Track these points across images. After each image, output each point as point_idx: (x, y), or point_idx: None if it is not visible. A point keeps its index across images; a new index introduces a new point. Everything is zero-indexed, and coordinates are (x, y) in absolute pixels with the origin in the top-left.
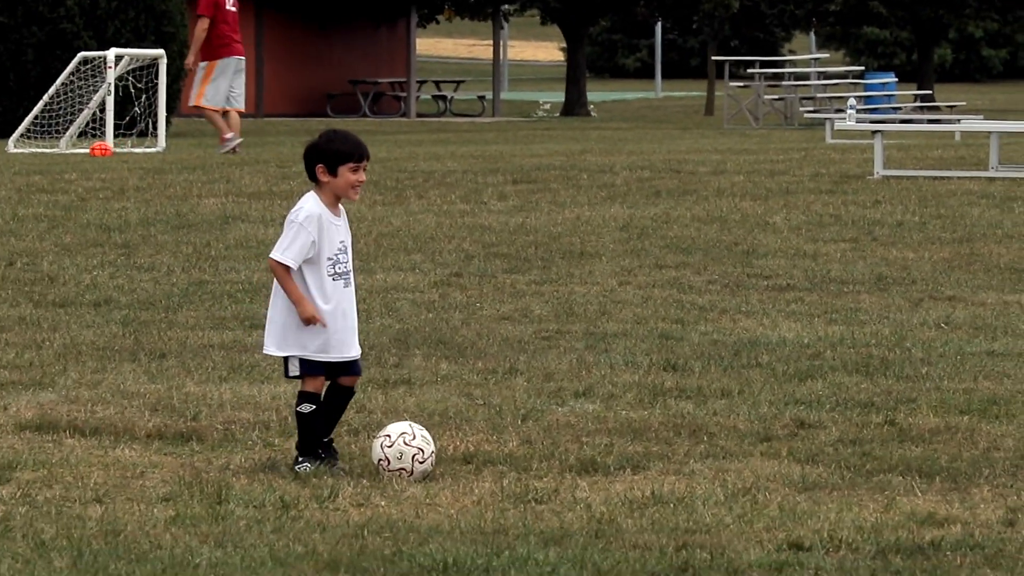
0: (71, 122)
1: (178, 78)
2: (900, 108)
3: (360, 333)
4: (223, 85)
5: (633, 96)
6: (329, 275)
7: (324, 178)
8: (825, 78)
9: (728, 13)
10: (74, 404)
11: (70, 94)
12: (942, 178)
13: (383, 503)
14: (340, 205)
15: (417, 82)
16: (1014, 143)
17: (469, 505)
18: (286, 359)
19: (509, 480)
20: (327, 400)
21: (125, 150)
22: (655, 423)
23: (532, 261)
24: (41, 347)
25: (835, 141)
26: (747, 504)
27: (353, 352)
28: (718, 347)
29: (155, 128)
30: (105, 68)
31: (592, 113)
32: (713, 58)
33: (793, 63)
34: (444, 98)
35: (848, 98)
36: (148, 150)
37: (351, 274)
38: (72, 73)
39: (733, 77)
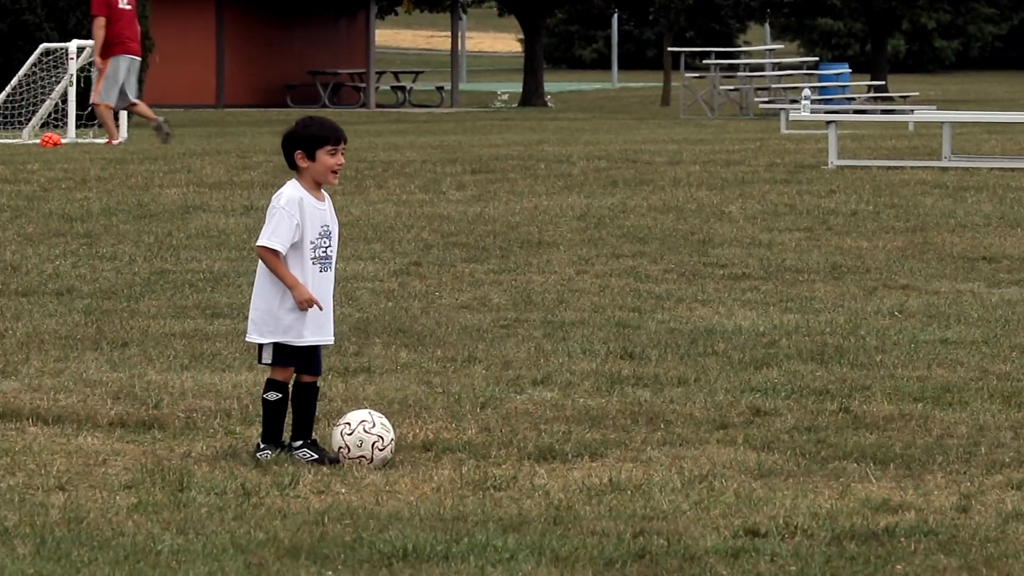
0: (33, 113)
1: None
2: (854, 99)
3: None
4: (117, 82)
5: (590, 87)
6: (310, 259)
7: (303, 163)
8: (780, 69)
9: (684, 4)
10: (37, 392)
11: (32, 85)
12: (896, 168)
13: (343, 490)
14: (323, 191)
15: (376, 73)
16: (966, 133)
17: (428, 492)
18: (261, 346)
19: (468, 467)
20: (295, 401)
21: (87, 141)
22: (612, 411)
23: (490, 250)
24: (4, 336)
25: (790, 131)
26: (704, 491)
27: (328, 337)
28: (675, 335)
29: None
30: (67, 59)
31: (549, 104)
32: (669, 49)
33: (748, 54)
34: (403, 89)
35: (803, 89)
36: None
37: (332, 260)
38: (34, 64)
39: (689, 68)
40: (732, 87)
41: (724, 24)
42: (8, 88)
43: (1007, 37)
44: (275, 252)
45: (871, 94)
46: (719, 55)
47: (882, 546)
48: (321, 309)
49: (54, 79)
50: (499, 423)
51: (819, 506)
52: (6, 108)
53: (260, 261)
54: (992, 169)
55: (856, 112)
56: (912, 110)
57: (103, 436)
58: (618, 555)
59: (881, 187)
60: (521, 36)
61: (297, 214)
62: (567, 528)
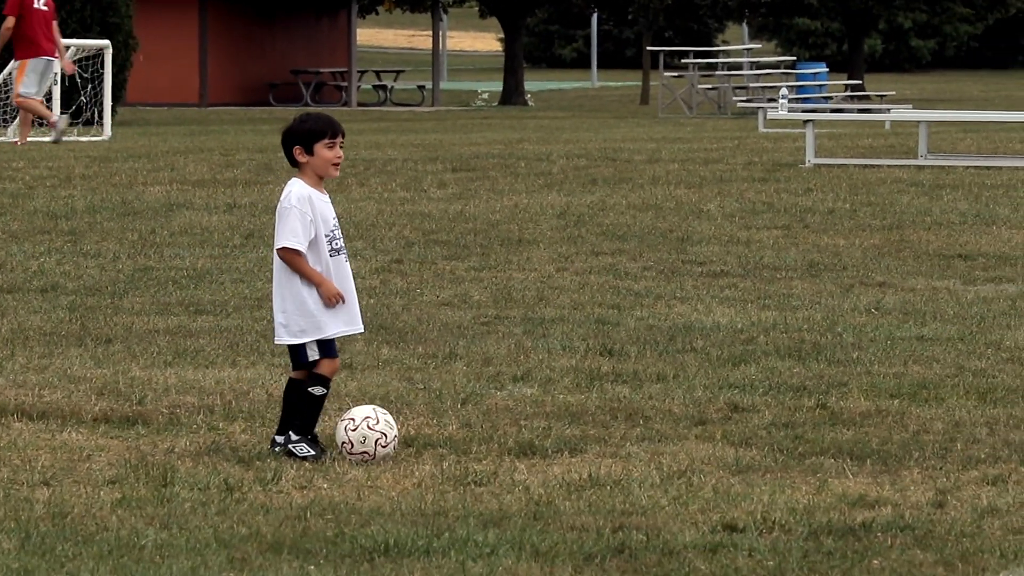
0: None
1: (124, 68)
2: (831, 98)
3: None
4: (35, 80)
5: (569, 86)
6: (327, 252)
7: (303, 159)
8: (758, 68)
9: (663, 4)
10: (21, 388)
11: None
12: (872, 166)
13: (325, 486)
14: (323, 185)
15: (358, 72)
16: (942, 132)
17: (410, 487)
18: (302, 346)
19: (449, 463)
20: (286, 395)
21: (71, 139)
22: (592, 407)
23: (471, 248)
24: None
25: (767, 130)
26: (682, 486)
27: (358, 326)
28: (653, 332)
29: (101, 117)
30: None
31: (529, 102)
32: (648, 48)
33: (726, 53)
34: (384, 88)
35: (780, 88)
36: (94, 139)
37: (345, 250)
38: None
39: (668, 67)
40: (710, 86)
41: (702, 24)
42: None
43: (982, 37)
44: (297, 252)
45: (848, 93)
46: (697, 54)
47: (859, 541)
48: (345, 302)
49: None
50: (480, 419)
51: (796, 501)
52: None
53: (277, 264)
54: (967, 167)
55: (833, 111)
56: (888, 109)
57: (87, 432)
58: (597, 550)
59: (858, 185)
60: (501, 35)
61: (309, 210)
62: (547, 523)
